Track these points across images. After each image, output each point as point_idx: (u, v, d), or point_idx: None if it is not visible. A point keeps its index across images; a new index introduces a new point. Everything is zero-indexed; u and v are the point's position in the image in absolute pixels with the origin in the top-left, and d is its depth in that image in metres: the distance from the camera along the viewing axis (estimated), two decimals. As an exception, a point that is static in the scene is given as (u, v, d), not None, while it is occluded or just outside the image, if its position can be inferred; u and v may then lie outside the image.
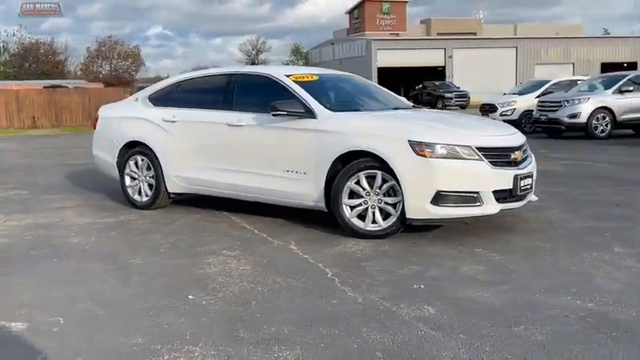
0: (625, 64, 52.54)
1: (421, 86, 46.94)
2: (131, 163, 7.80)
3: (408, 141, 5.78)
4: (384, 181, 5.93)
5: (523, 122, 20.00)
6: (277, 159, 6.57)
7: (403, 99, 8.05)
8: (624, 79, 17.84)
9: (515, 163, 6.07)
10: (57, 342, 3.70)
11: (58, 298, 4.48)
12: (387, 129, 6.08)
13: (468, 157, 5.76)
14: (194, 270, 5.14)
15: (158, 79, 69.99)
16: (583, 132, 17.22)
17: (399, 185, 5.79)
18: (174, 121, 7.41)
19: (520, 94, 21.55)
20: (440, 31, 58.68)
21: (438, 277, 4.81)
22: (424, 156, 5.71)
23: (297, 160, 6.41)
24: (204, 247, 5.86)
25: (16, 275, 5.08)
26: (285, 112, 6.38)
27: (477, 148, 5.82)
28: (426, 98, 44.74)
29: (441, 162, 5.71)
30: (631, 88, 17.48)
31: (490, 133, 6.26)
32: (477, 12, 68.01)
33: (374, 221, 6.03)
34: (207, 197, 7.57)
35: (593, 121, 17.07)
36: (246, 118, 6.82)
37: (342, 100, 6.99)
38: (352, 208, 6.09)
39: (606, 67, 51.63)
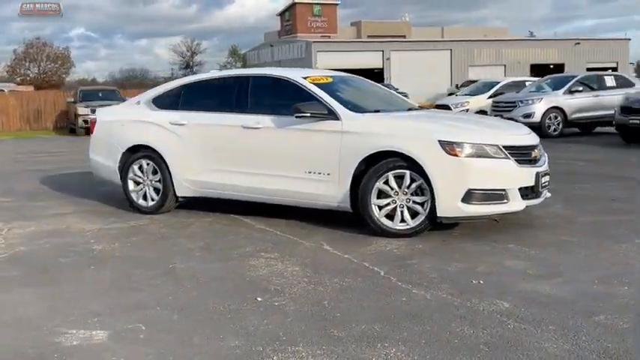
0: (552, 66, 54.52)
1: (361, 88, 47.40)
2: (135, 167, 7.66)
3: (439, 141, 5.92)
4: (412, 180, 6.04)
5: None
6: (299, 161, 6.59)
7: (407, 99, 8.19)
8: (573, 80, 18.60)
9: (534, 161, 6.29)
10: (151, 349, 3.65)
11: (124, 305, 4.40)
12: (416, 130, 6.21)
13: (495, 156, 5.94)
14: (243, 272, 5.13)
15: (84, 81, 67.95)
16: (537, 131, 17.75)
17: (430, 184, 5.91)
18: (182, 124, 7.33)
19: (471, 94, 22.10)
20: (370, 33, 59.42)
21: (489, 273, 4.95)
22: (455, 155, 5.86)
23: (321, 162, 6.45)
24: (238, 250, 5.84)
25: (66, 283, 4.96)
26: (309, 114, 6.42)
27: (503, 146, 6.00)
28: (366, 100, 45.22)
29: (472, 161, 5.87)
30: (580, 89, 18.25)
31: (511, 133, 6.47)
32: (403, 15, 68.92)
33: (402, 220, 6.13)
34: (210, 200, 7.51)
35: (547, 121, 17.69)
36: (264, 120, 6.81)
37: (358, 101, 7.04)
38: (380, 207, 6.16)
39: (535, 69, 53.58)
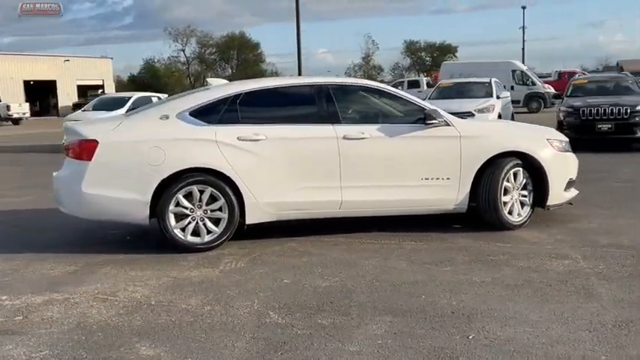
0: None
1: None
2: (180, 196, 6.22)
3: (547, 139, 6.96)
4: (523, 176, 6.88)
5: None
6: (415, 168, 6.63)
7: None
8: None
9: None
10: None
11: None
12: (530, 131, 7.12)
13: (569, 150, 7.28)
14: (554, 276, 5.33)
15: None
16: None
17: (545, 178, 6.82)
18: (258, 140, 6.35)
19: (96, 109, 21.15)
20: None
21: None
22: (560, 151, 6.99)
23: (440, 167, 6.65)
24: (464, 265, 5.60)
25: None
26: (437, 122, 6.59)
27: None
28: None
29: (568, 155, 7.13)
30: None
31: None
32: None
33: (518, 214, 6.90)
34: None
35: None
36: (369, 129, 6.56)
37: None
38: (504, 204, 6.79)
39: (27, 84, 52.21)
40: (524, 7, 58.19)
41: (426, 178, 6.62)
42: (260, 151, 6.32)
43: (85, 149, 6.18)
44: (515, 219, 6.80)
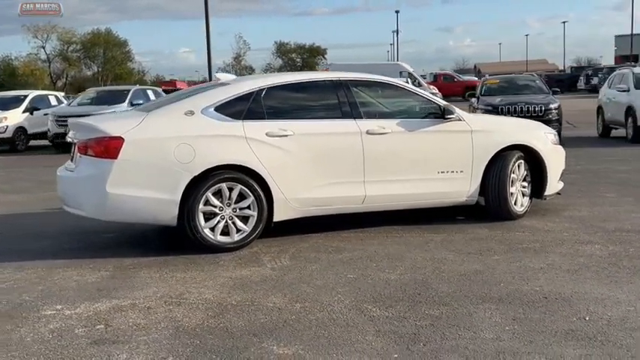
0: None
1: None
2: (209, 194, 6.00)
3: (544, 133, 7.36)
4: (524, 168, 7.23)
5: (17, 140, 18.93)
6: (432, 162, 6.78)
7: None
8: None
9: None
10: None
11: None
12: (529, 125, 7.49)
13: (558, 143, 7.73)
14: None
15: None
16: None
17: (543, 170, 7.19)
18: (286, 135, 6.26)
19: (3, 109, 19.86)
20: None
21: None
22: (554, 143, 7.42)
23: (455, 161, 6.85)
24: (548, 259, 5.51)
25: None
26: (454, 116, 6.79)
27: (555, 135, 7.85)
28: None
29: (560, 147, 7.57)
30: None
31: None
32: None
33: (521, 204, 7.24)
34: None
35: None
36: (389, 124, 6.64)
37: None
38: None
39: None
40: (397, 11, 60.79)
41: (442, 172, 6.79)
42: (288, 147, 6.21)
43: (109, 147, 5.81)
44: (519, 209, 7.11)
